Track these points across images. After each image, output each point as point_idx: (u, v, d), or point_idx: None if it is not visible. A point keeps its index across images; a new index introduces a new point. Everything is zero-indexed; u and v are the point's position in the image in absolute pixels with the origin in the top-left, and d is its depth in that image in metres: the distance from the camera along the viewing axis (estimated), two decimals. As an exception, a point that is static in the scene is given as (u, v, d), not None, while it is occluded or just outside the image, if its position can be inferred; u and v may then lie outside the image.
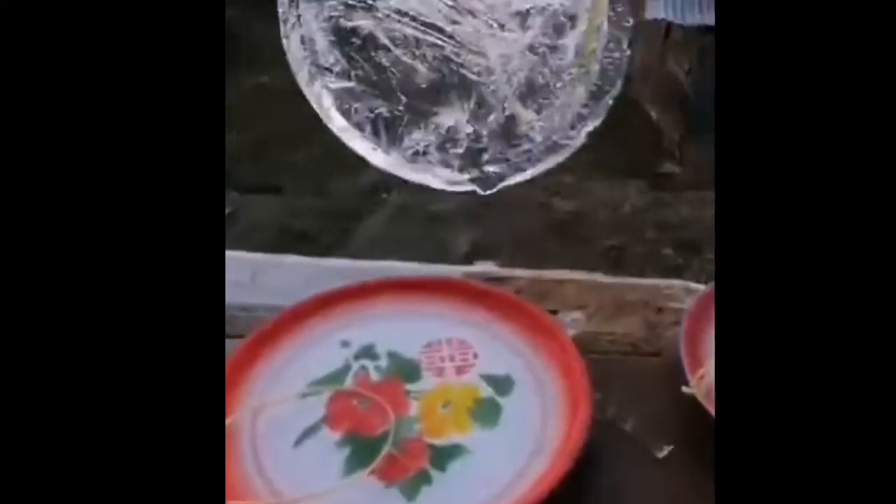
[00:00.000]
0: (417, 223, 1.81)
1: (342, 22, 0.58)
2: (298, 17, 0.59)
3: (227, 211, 1.86)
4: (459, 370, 0.72)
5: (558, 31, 0.60)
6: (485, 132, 0.61)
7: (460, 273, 0.84)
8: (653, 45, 1.88)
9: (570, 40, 0.59)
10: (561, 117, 0.61)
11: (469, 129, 0.61)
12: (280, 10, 0.59)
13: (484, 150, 0.62)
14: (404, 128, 0.61)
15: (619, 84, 0.60)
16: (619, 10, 0.59)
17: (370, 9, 0.58)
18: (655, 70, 1.87)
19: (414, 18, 0.59)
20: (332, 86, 0.60)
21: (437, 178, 0.62)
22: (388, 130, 0.61)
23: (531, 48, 0.60)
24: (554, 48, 0.60)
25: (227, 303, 0.77)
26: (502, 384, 0.71)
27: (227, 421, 0.66)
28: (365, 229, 1.89)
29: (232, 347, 0.71)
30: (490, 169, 0.62)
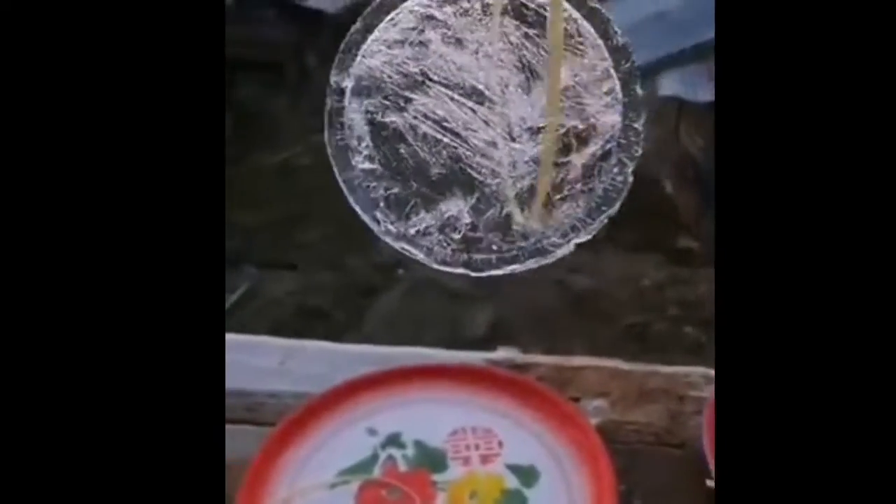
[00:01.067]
0: (433, 300, 1.82)
1: (377, 117, 0.66)
2: (343, 108, 0.66)
3: (245, 287, 1.87)
4: (485, 459, 0.73)
5: (566, 149, 0.65)
6: (481, 225, 0.66)
7: (482, 360, 0.85)
8: (667, 121, 1.90)
9: (578, 159, 0.64)
10: (555, 227, 0.65)
11: (468, 220, 0.66)
12: (329, 99, 0.66)
13: (479, 239, 0.66)
14: (411, 209, 0.66)
15: (617, 205, 0.64)
16: (631, 138, 0.64)
17: (402, 109, 0.66)
18: (670, 145, 1.89)
19: (437, 122, 0.65)
20: (360, 165, 0.66)
21: (433, 256, 0.67)
22: (397, 208, 0.66)
23: (537, 161, 0.65)
24: (561, 164, 0.64)
25: (256, 389, 0.79)
26: (528, 475, 0.71)
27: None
28: (380, 306, 1.89)
29: (261, 435, 0.72)
30: (479, 257, 0.66)
